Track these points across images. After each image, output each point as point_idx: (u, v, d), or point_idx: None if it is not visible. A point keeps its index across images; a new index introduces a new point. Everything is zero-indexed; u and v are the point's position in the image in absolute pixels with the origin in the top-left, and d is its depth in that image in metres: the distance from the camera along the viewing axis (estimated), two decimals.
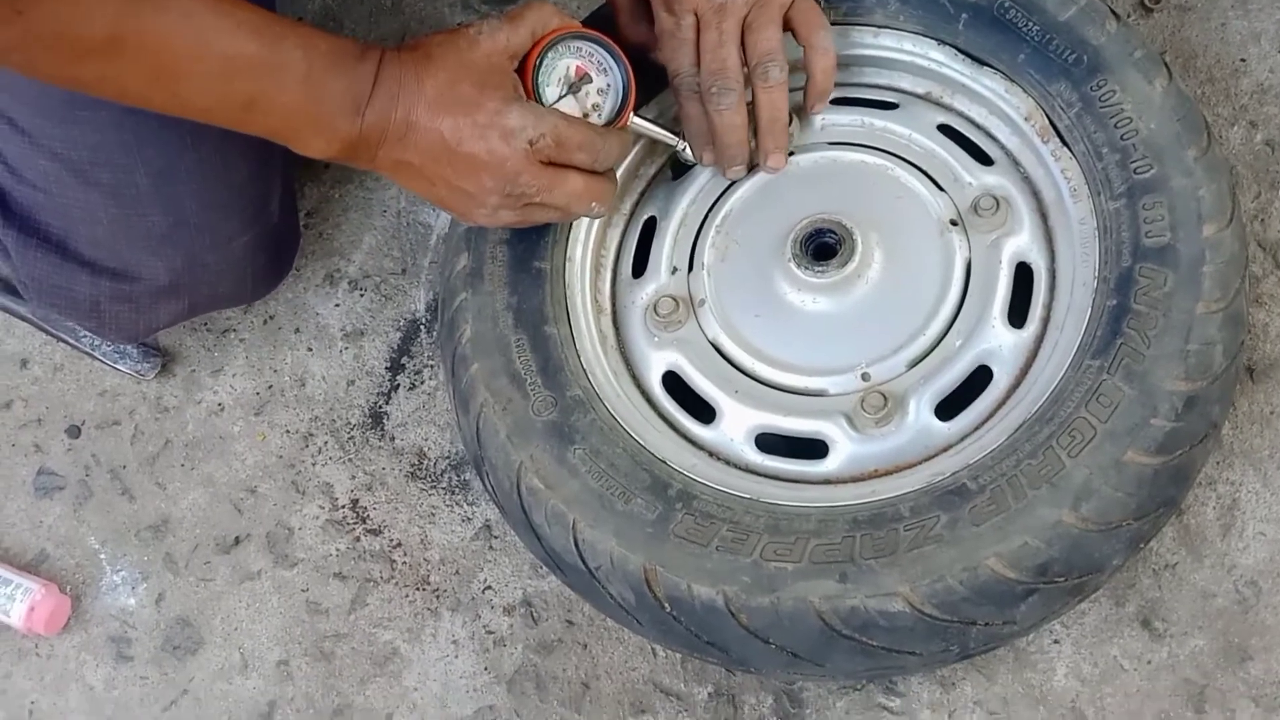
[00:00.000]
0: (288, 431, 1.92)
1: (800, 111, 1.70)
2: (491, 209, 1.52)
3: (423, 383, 1.91)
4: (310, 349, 1.96)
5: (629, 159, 1.75)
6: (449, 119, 1.46)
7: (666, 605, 1.49)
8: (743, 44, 1.61)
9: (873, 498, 1.50)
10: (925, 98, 1.73)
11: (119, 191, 1.66)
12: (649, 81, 1.68)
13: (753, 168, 1.69)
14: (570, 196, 1.53)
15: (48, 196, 1.68)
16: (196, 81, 1.42)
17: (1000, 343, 1.58)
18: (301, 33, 1.45)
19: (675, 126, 1.68)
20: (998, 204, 1.62)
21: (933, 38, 1.69)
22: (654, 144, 1.76)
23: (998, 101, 1.67)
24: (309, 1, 2.14)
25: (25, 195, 1.70)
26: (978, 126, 1.70)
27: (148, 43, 1.37)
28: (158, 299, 1.76)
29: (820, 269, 1.62)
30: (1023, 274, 1.61)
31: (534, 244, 1.68)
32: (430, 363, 1.92)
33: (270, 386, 1.95)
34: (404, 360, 1.93)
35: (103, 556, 1.89)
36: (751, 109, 1.64)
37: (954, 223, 1.64)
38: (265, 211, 1.77)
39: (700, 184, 1.74)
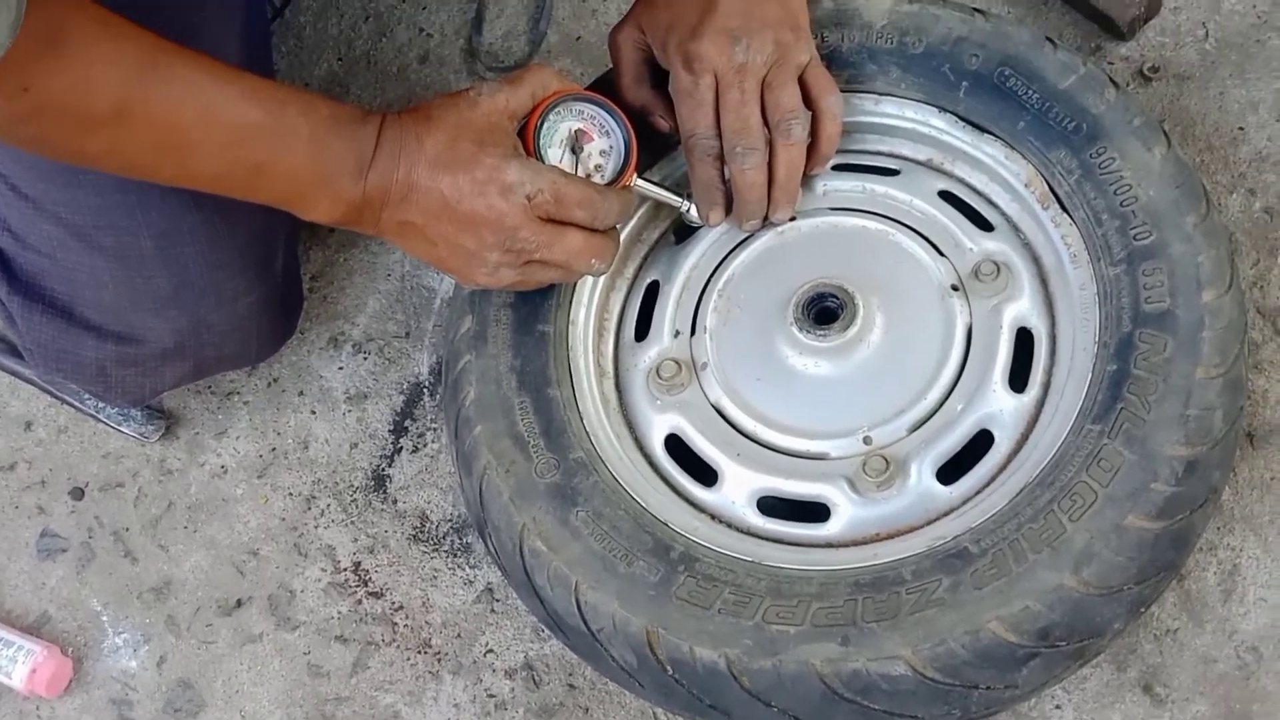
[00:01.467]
0: (290, 494, 1.92)
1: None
2: (492, 267, 1.53)
3: (425, 446, 1.92)
4: (314, 412, 1.96)
5: (633, 222, 1.77)
6: (449, 176, 1.48)
7: (668, 668, 1.49)
8: (761, 103, 1.62)
9: (875, 561, 1.50)
10: (926, 164, 1.74)
11: (123, 254, 1.67)
12: (650, 145, 1.69)
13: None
14: (570, 253, 1.54)
15: (52, 261, 1.69)
16: (204, 150, 1.43)
17: (1001, 407, 1.59)
18: (304, 98, 1.47)
19: (677, 188, 1.69)
20: (998, 269, 1.63)
21: (934, 105, 1.70)
22: (658, 208, 1.77)
23: (998, 168, 1.68)
24: (315, 68, 2.16)
25: (30, 261, 1.70)
26: (978, 193, 1.71)
27: (154, 113, 1.39)
28: (163, 361, 1.77)
29: (822, 333, 1.63)
30: (1023, 339, 1.62)
31: (538, 307, 1.69)
32: (433, 426, 1.92)
33: (273, 449, 1.95)
34: (407, 423, 1.93)
35: (105, 618, 1.89)
36: (769, 165, 1.65)
37: (955, 288, 1.65)
38: (269, 271, 1.79)
39: (703, 248, 1.75)
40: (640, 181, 1.63)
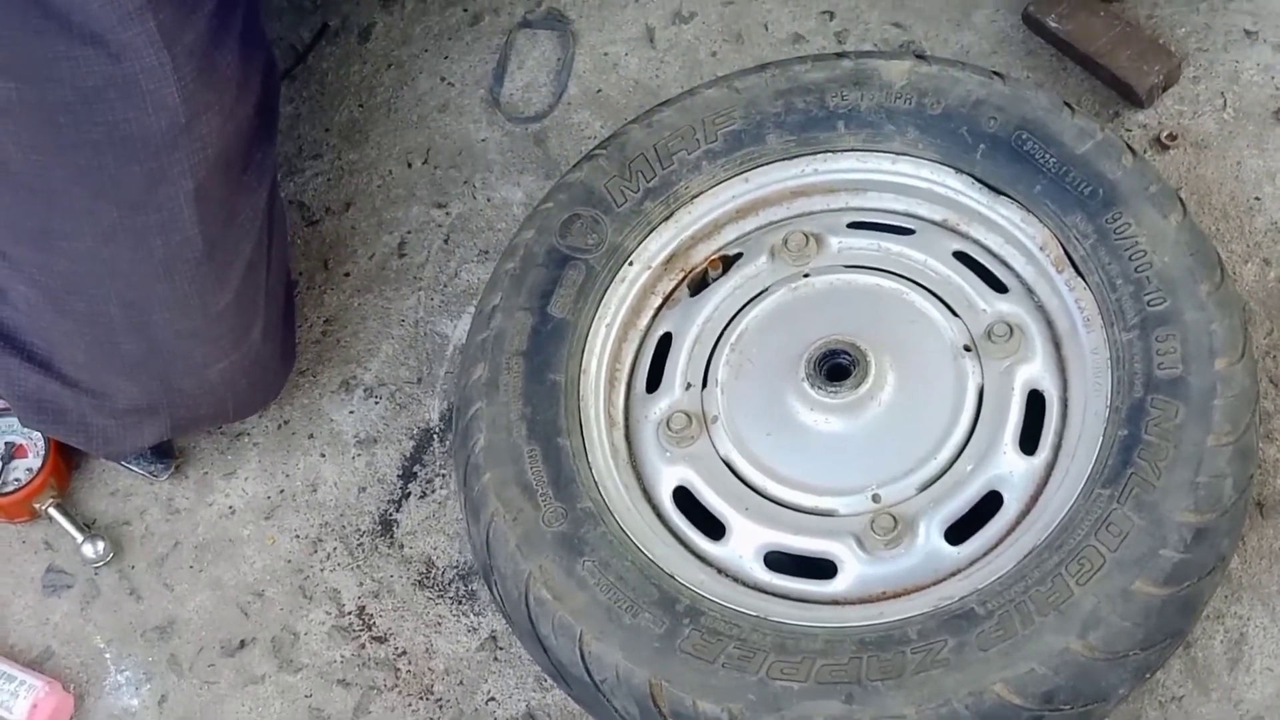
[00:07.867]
0: (297, 536, 1.92)
1: None
2: None
3: (434, 491, 1.91)
4: (323, 455, 1.96)
5: (645, 275, 1.77)
6: None
7: None
8: None
9: (880, 619, 1.50)
10: (942, 224, 1.75)
11: (93, 320, 1.68)
12: None
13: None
14: None
15: (30, 320, 1.71)
16: None
17: (1011, 469, 1.59)
18: None
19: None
20: (1011, 331, 1.63)
21: (951, 166, 1.71)
22: (668, 262, 1.78)
23: (1013, 230, 1.69)
24: (335, 114, 2.17)
25: (9, 316, 1.73)
26: (993, 254, 1.72)
27: None
28: (140, 418, 1.79)
29: (833, 389, 1.63)
30: (1035, 401, 1.62)
31: (550, 356, 1.70)
32: (441, 472, 1.92)
33: (282, 491, 1.95)
34: (416, 469, 1.93)
35: (108, 656, 1.89)
36: None
37: (967, 348, 1.65)
38: (246, 339, 1.78)
39: (716, 301, 1.76)
40: None
